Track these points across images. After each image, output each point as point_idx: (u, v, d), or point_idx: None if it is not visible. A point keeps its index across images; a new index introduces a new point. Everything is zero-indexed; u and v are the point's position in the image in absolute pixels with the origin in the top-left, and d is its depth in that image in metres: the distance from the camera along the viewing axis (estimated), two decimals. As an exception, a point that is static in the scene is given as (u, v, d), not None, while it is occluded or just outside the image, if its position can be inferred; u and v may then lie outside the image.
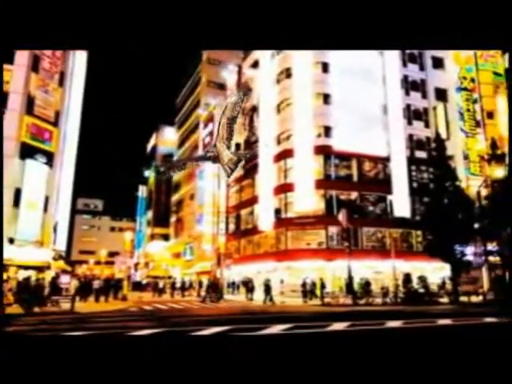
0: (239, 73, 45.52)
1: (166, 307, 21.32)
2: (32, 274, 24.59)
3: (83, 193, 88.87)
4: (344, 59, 33.62)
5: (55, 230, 33.77)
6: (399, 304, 23.28)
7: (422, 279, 25.15)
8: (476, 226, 26.72)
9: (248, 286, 28.39)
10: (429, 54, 38.71)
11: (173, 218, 67.08)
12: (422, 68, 38.42)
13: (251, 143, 38.99)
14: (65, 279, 28.46)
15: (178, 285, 36.46)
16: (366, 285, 25.28)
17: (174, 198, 67.16)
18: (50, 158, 31.84)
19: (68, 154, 36.55)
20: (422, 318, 14.04)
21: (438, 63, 39.08)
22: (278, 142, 35.28)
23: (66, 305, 18.42)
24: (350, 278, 25.26)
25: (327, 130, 33.47)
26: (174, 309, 20.40)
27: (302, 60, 33.99)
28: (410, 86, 37.47)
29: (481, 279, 29.13)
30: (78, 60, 37.77)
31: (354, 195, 33.49)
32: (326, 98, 33.99)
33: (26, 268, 26.93)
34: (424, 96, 37.87)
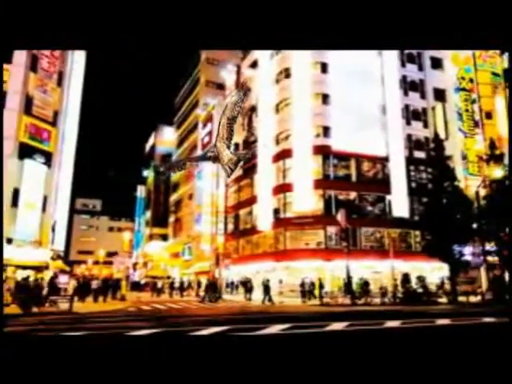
0: (238, 73, 45.50)
1: (165, 307, 21.30)
2: (30, 274, 24.54)
3: (82, 193, 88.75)
4: (343, 59, 33.63)
5: (53, 229, 33.72)
6: (398, 304, 23.30)
7: (421, 279, 25.19)
8: (474, 226, 26.78)
9: (247, 286, 28.39)
10: (427, 55, 38.76)
11: (171, 218, 67.03)
12: (420, 68, 38.46)
13: (250, 143, 38.99)
14: (63, 279, 28.40)
15: (177, 285, 36.44)
16: (365, 285, 25.31)
17: (173, 198, 67.11)
18: (48, 158, 31.81)
19: (66, 154, 36.51)
20: (420, 317, 14.05)
21: (437, 63, 39.14)
22: (277, 142, 35.29)
23: (64, 305, 18.37)
24: (349, 278, 25.28)
25: (326, 130, 33.49)
26: (172, 309, 20.38)
27: (301, 60, 34.00)
28: (408, 86, 37.51)
29: (479, 279, 29.21)
30: (77, 60, 37.73)
31: (352, 195, 33.52)
32: (325, 98, 34.01)
33: (25, 268, 26.90)
34: (423, 96, 37.91)
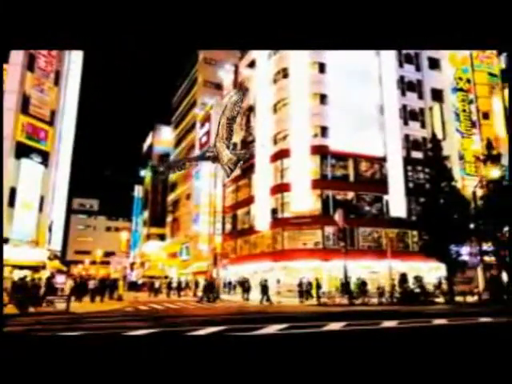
0: (236, 72, 45.48)
1: (162, 307, 21.27)
2: (27, 273, 24.46)
3: (79, 192, 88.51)
4: (341, 60, 33.67)
5: (50, 229, 33.63)
6: (395, 304, 23.34)
7: (418, 279, 25.26)
8: (471, 226, 26.86)
9: (244, 285, 28.38)
10: (425, 55, 38.85)
11: (169, 218, 66.96)
12: (418, 69, 38.55)
13: (248, 143, 38.99)
14: (60, 279, 28.35)
15: (174, 285, 36.37)
16: (362, 285, 25.35)
17: (170, 197, 67.04)
18: (45, 158, 31.71)
19: (63, 154, 36.41)
20: (417, 317, 14.08)
21: (434, 64, 39.22)
22: (275, 142, 35.28)
23: (61, 305, 18.32)
24: (346, 278, 25.31)
25: (324, 130, 33.50)
26: (169, 309, 20.35)
27: (299, 60, 34.01)
28: (406, 86, 37.58)
29: (476, 279, 29.26)
30: (74, 59, 37.64)
31: (350, 195, 33.55)
32: (323, 98, 34.03)
33: (21, 268, 26.80)
34: (420, 96, 37.99)
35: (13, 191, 28.66)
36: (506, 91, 39.57)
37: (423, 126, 37.29)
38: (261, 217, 34.90)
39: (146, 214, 74.53)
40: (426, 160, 31.94)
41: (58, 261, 36.26)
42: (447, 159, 28.99)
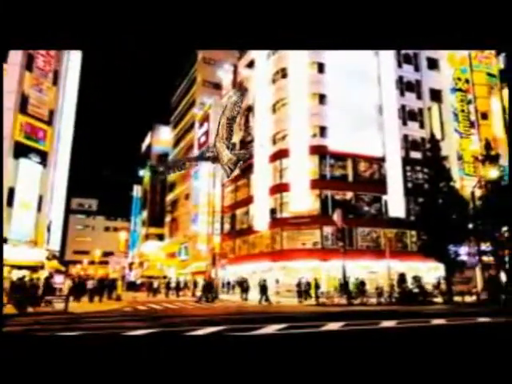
0: (235, 72, 45.48)
1: (161, 307, 21.25)
2: (25, 273, 24.43)
3: (77, 192, 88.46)
4: (340, 60, 33.70)
5: (49, 229, 33.58)
6: (394, 304, 23.36)
7: (417, 279, 25.27)
8: (470, 226, 26.90)
9: (243, 285, 28.37)
10: (424, 55, 38.89)
11: (168, 218, 66.91)
12: (416, 69, 38.58)
13: (246, 143, 39.00)
14: (58, 279, 28.29)
15: (173, 285, 36.36)
16: (361, 285, 25.36)
17: (169, 197, 67.00)
18: (43, 157, 31.67)
19: (62, 153, 36.36)
20: (416, 317, 14.09)
21: (433, 64, 39.27)
22: (274, 142, 35.28)
23: (59, 305, 18.30)
24: (345, 278, 25.32)
25: (323, 130, 33.52)
26: (168, 309, 20.34)
27: (298, 60, 34.03)
28: (404, 86, 37.62)
29: (474, 279, 29.31)
30: (73, 59, 37.58)
31: (349, 195, 33.57)
32: (322, 98, 34.05)
33: (20, 268, 26.76)
34: (419, 97, 38.03)
35: (11, 191, 28.62)
36: (505, 91, 39.64)
37: (422, 126, 37.33)
38: (259, 217, 34.90)
39: (144, 214, 74.48)
40: (425, 160, 31.96)
41: (56, 261, 36.21)
42: (446, 159, 29.02)
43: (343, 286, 25.46)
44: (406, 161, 35.64)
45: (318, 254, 31.06)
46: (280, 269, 31.48)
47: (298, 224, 31.93)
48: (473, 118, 38.88)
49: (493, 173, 26.65)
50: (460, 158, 37.23)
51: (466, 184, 34.26)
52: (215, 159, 8.20)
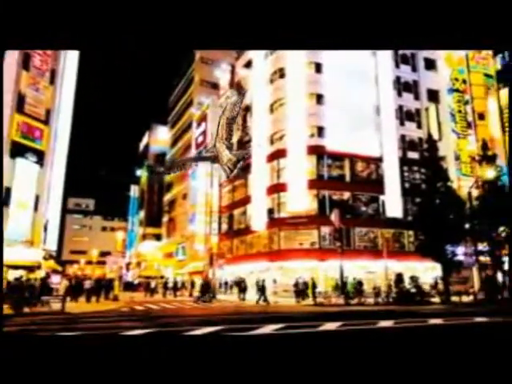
0: (232, 72, 45.47)
1: (158, 307, 21.22)
2: (22, 273, 24.32)
3: (74, 192, 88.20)
4: (337, 60, 33.73)
5: (45, 229, 33.43)
6: (391, 304, 23.40)
7: (414, 279, 25.33)
8: (467, 226, 26.99)
9: (240, 285, 28.37)
10: (421, 56, 38.97)
11: (165, 218, 66.83)
12: (414, 69, 38.67)
13: (244, 143, 38.99)
14: (55, 279, 28.21)
15: (170, 285, 36.31)
16: (359, 285, 25.40)
17: (167, 197, 66.91)
18: (40, 157, 31.52)
19: (59, 153, 36.19)
20: (413, 317, 14.13)
21: (431, 65, 39.37)
22: (271, 142, 35.29)
23: (56, 305, 18.23)
24: (343, 278, 25.35)
25: (320, 130, 33.56)
26: (166, 309, 20.31)
27: (296, 60, 34.04)
28: (402, 87, 37.70)
29: (471, 279, 29.44)
30: (70, 58, 37.42)
31: (346, 195, 33.61)
32: (319, 99, 34.08)
33: (16, 268, 26.63)
34: (416, 97, 38.11)
35: (8, 191, 28.48)
36: (502, 92, 39.78)
37: (419, 126, 37.42)
38: (257, 217, 34.90)
39: (141, 214, 74.36)
40: (422, 160, 32.05)
41: (53, 261, 36.07)
42: (443, 160, 29.14)
43: (341, 286, 25.49)
44: (404, 161, 35.71)
45: (315, 254, 31.09)
46: (277, 269, 31.49)
47: (295, 224, 31.94)
48: (470, 118, 39.01)
49: (490, 173, 26.77)
50: (457, 158, 37.35)
51: (463, 184, 34.37)
52: (215, 159, 8.22)
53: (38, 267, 29.69)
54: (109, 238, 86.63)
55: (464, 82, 39.57)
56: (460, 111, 38.59)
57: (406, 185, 35.19)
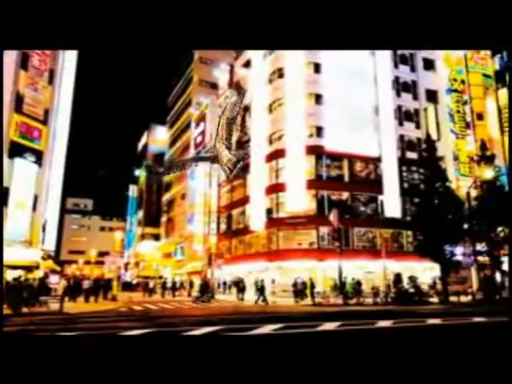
0: (231, 72, 45.45)
1: (157, 307, 21.21)
2: (21, 274, 24.28)
3: (73, 192, 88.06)
4: (336, 60, 33.74)
5: (44, 229, 33.40)
6: (390, 304, 23.43)
7: (413, 279, 25.37)
8: (465, 226, 27.02)
9: (239, 285, 28.37)
10: (420, 56, 39.02)
11: (164, 218, 66.79)
12: (413, 69, 38.71)
13: (243, 143, 38.95)
14: (54, 279, 28.16)
15: (169, 285, 36.30)
16: (357, 285, 25.42)
17: (165, 197, 66.87)
18: (39, 157, 31.48)
19: (57, 153, 36.16)
20: (412, 317, 14.14)
21: (429, 65, 39.41)
22: (270, 142, 35.29)
23: (54, 305, 18.20)
24: (341, 278, 25.36)
25: (319, 131, 33.57)
26: (164, 309, 20.30)
27: (294, 60, 34.04)
28: (401, 87, 37.74)
29: (470, 279, 29.44)
30: (68, 58, 37.38)
31: (345, 195, 33.64)
32: (318, 99, 34.09)
33: (15, 268, 26.58)
34: (415, 97, 38.16)
35: (6, 190, 28.42)
36: (500, 92, 39.83)
37: (418, 126, 37.46)
38: (256, 217, 34.89)
39: (140, 214, 74.31)
40: (421, 160, 32.08)
41: (51, 261, 36.03)
42: (442, 160, 29.15)
43: (339, 286, 25.50)
44: (402, 161, 35.75)
45: (314, 254, 31.10)
46: (276, 269, 31.49)
47: (294, 224, 31.95)
48: (468, 118, 39.06)
49: (488, 173, 26.80)
50: (456, 158, 37.39)
51: (462, 184, 34.42)
52: (215, 159, 8.21)
53: (37, 267, 29.65)
54: (107, 238, 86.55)
55: (462, 82, 39.62)
56: (458, 111, 38.64)
57: (405, 185, 35.22)
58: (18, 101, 30.01)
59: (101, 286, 27.61)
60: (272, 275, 30.55)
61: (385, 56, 36.53)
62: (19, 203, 29.26)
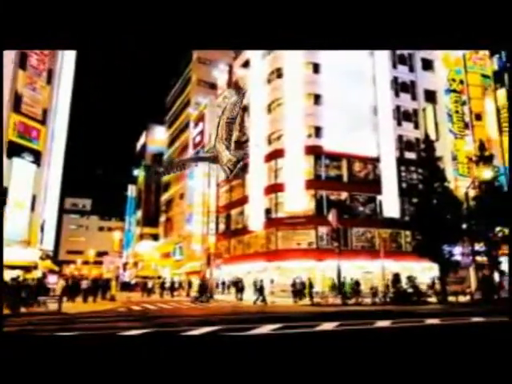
0: (230, 72, 45.44)
1: (156, 307, 21.19)
2: (19, 273, 24.24)
3: (71, 192, 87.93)
4: (335, 60, 33.76)
5: (42, 229, 33.33)
6: (388, 304, 23.44)
7: (411, 279, 25.38)
8: (464, 226, 27.05)
9: (238, 285, 28.36)
10: (418, 56, 39.05)
11: (162, 218, 66.73)
12: (411, 70, 38.74)
13: (242, 143, 38.94)
14: (52, 279, 28.11)
15: (168, 285, 36.27)
16: (356, 285, 25.44)
17: (164, 197, 66.81)
18: (37, 157, 31.42)
19: (56, 153, 36.07)
20: (410, 317, 14.16)
21: (428, 65, 39.45)
22: (269, 142, 35.29)
23: (53, 305, 18.18)
24: (340, 278, 25.36)
25: (318, 131, 33.58)
26: (163, 309, 20.29)
27: (293, 60, 34.04)
28: (399, 87, 37.76)
29: (468, 279, 29.49)
30: (67, 58, 37.31)
31: (343, 195, 33.65)
32: (317, 99, 34.10)
33: (13, 268, 26.52)
34: (414, 97, 38.19)
35: (6, 190, 28.37)
36: (499, 92, 39.91)
37: (416, 126, 37.49)
38: (254, 217, 34.88)
39: (139, 214, 74.22)
40: (419, 161, 32.12)
41: (49, 261, 35.97)
42: (440, 160, 29.16)
43: (338, 286, 25.51)
44: (401, 161, 35.78)
45: (312, 254, 31.10)
46: (275, 269, 31.49)
47: (292, 224, 31.95)
48: (467, 118, 39.10)
49: (487, 173, 26.83)
50: (454, 158, 37.42)
51: (460, 184, 34.46)
52: (215, 160, 8.23)
53: (35, 267, 29.61)
54: (106, 237, 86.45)
55: (461, 82, 39.66)
56: (457, 112, 38.69)
57: (404, 185, 35.24)
58: (17, 100, 29.95)
59: (99, 286, 27.58)
60: (271, 275, 30.55)
61: (383, 56, 36.55)
62: (17, 203, 29.19)
